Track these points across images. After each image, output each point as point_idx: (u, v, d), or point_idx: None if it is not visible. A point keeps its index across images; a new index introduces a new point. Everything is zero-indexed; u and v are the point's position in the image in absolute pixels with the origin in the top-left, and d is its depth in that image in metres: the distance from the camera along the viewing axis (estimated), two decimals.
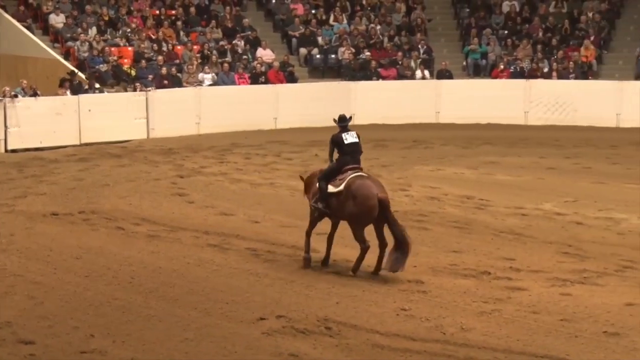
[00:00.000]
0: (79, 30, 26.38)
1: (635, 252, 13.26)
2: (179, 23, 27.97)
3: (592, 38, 28.24)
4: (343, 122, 12.50)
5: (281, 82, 26.23)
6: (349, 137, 12.36)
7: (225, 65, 26.24)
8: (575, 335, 10.06)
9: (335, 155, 12.43)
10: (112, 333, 10.09)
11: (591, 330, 10.18)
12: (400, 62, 27.71)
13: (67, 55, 25.99)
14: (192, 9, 28.60)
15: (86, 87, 23.61)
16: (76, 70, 24.48)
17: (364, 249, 12.06)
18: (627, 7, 30.13)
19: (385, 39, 28.78)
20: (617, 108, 25.42)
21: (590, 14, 29.05)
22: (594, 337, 10.01)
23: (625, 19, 29.81)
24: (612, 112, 25.39)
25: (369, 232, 12.18)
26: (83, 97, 23.16)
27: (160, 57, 26.04)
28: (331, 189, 12.21)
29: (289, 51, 28.40)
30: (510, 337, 10.02)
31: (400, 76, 27.40)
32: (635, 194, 17.37)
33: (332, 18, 29.34)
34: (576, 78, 26.82)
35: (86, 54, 25.78)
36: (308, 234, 12.57)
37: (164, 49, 26.76)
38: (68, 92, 23.27)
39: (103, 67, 25.44)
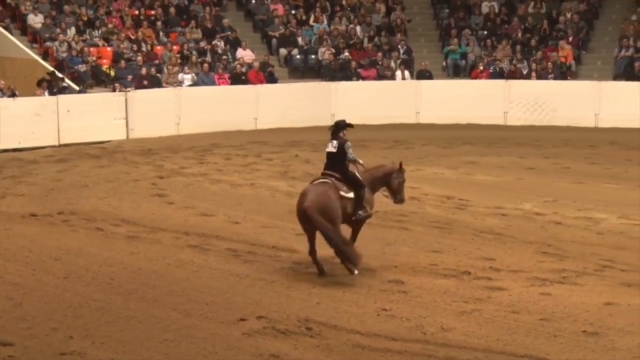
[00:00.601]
0: (58, 30, 26.26)
1: (614, 252, 13.32)
2: (158, 23, 27.91)
3: (570, 39, 28.40)
4: (331, 129, 12.55)
5: (261, 82, 26.22)
6: (329, 146, 12.45)
7: (205, 65, 26.19)
8: (555, 334, 10.10)
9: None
10: (92, 334, 10.04)
11: (570, 330, 10.22)
12: (380, 63, 27.76)
13: (45, 55, 25.86)
14: (172, 9, 28.55)
15: (54, 89, 23.37)
16: (56, 71, 24.35)
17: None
18: (605, 8, 30.32)
19: (365, 40, 28.82)
20: (595, 108, 25.57)
21: (568, 15, 29.23)
22: (573, 336, 10.05)
23: (603, 20, 30.00)
24: (590, 113, 25.54)
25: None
26: (62, 97, 23.06)
27: (139, 58, 25.96)
28: None
29: (269, 51, 28.39)
30: (490, 336, 10.04)
31: (380, 76, 27.46)
32: (614, 193, 17.47)
33: (312, 18, 29.36)
34: (555, 78, 26.98)
35: (65, 54, 25.66)
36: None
37: (144, 49, 26.68)
38: (46, 92, 23.15)
39: (82, 68, 25.34)
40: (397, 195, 12.79)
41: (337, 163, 12.37)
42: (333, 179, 12.23)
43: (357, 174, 12.39)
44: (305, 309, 10.84)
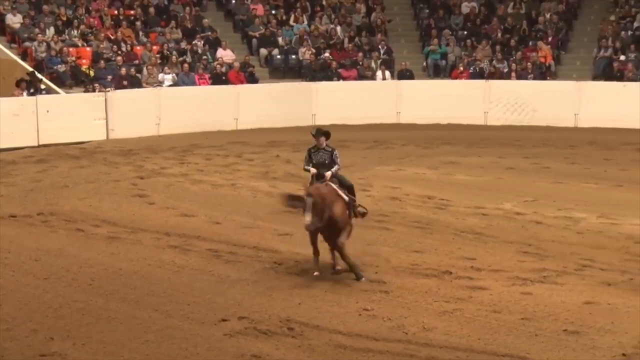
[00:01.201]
0: (37, 30, 26.11)
1: (594, 251, 13.39)
2: (137, 23, 27.80)
3: (549, 39, 28.53)
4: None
5: (242, 82, 26.18)
6: None
7: (186, 65, 26.13)
8: (536, 333, 10.14)
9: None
10: (72, 335, 10.00)
11: (551, 329, 10.27)
12: (360, 63, 27.79)
13: (24, 55, 25.70)
14: (151, 9, 28.44)
15: (32, 89, 23.22)
16: (35, 72, 24.19)
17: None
18: (584, 8, 30.47)
19: (346, 40, 28.84)
20: (575, 108, 25.68)
21: (547, 15, 29.35)
22: (554, 335, 10.10)
23: (582, 20, 30.15)
24: (570, 112, 25.64)
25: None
26: (41, 97, 22.94)
27: (119, 58, 25.87)
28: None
29: (249, 51, 28.35)
30: (472, 336, 10.08)
31: (361, 77, 27.48)
32: (594, 193, 17.56)
33: (292, 18, 29.33)
34: (535, 78, 27.08)
35: (44, 55, 25.52)
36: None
37: (123, 49, 26.58)
38: (24, 93, 23.02)
39: (61, 68, 25.21)
40: None
41: None
42: None
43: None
44: (286, 309, 10.84)
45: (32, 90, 23.21)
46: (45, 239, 14.11)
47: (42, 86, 23.76)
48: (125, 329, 10.25)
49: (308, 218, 11.43)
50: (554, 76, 27.80)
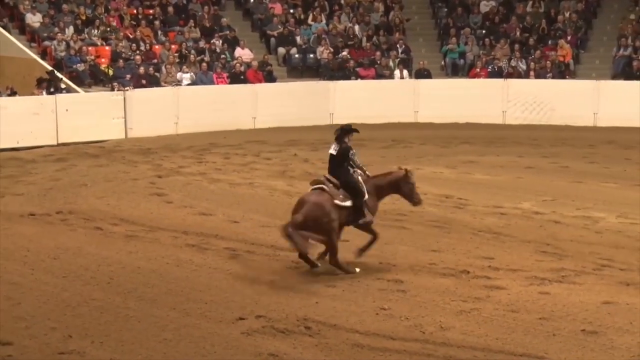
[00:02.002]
0: (56, 29, 26.24)
1: (612, 251, 13.33)
2: (156, 22, 27.90)
3: (569, 38, 28.41)
4: (336, 133, 12.47)
5: (260, 81, 26.22)
6: (332, 148, 12.45)
7: (204, 64, 26.19)
8: (554, 333, 10.11)
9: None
10: (90, 334, 10.04)
11: (569, 329, 10.23)
12: (378, 62, 27.76)
13: (44, 54, 25.83)
14: (170, 8, 28.53)
15: (52, 88, 23.33)
16: (55, 71, 24.30)
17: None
18: (603, 7, 30.34)
19: (364, 39, 28.82)
20: (594, 107, 25.58)
21: (567, 14, 29.24)
22: (572, 335, 10.06)
23: (601, 19, 30.02)
24: (589, 112, 25.54)
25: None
26: (60, 96, 23.05)
27: (138, 57, 25.96)
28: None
29: (267, 51, 28.38)
30: (489, 335, 10.05)
31: (379, 76, 27.46)
32: (613, 193, 17.48)
33: (310, 17, 29.34)
34: (553, 77, 26.99)
35: (63, 54, 25.65)
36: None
37: (142, 48, 26.67)
38: (44, 92, 23.13)
39: (80, 67, 25.32)
40: (412, 199, 12.81)
41: (337, 167, 12.34)
42: (331, 185, 12.21)
43: (359, 181, 12.33)
44: (304, 308, 10.84)
45: (52, 90, 23.32)
46: (64, 237, 14.18)
47: (62, 85, 23.87)
48: (143, 327, 10.28)
49: None
50: (573, 75, 27.69)
